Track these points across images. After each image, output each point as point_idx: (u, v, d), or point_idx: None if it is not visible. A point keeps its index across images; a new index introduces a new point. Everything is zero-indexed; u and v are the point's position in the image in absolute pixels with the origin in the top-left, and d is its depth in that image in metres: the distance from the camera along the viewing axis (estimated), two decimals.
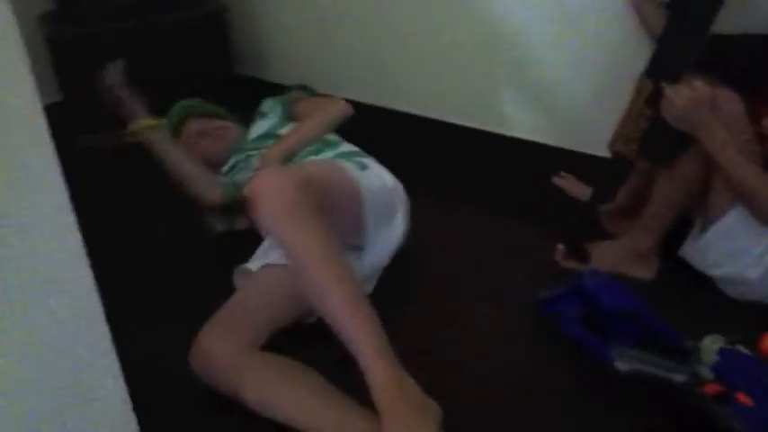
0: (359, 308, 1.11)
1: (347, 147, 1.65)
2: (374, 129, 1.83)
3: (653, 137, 1.40)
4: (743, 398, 1.06)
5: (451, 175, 2.01)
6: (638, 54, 1.47)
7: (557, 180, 1.91)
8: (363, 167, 1.51)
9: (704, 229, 1.47)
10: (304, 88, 2.00)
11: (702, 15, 1.31)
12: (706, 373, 1.11)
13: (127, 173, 2.01)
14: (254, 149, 1.70)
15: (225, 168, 1.76)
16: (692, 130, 1.34)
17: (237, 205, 1.62)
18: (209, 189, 1.65)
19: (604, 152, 1.52)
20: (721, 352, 1.14)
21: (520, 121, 2.03)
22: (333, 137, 1.70)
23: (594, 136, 1.66)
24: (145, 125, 1.63)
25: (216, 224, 1.74)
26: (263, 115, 1.83)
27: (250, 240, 1.49)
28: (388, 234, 1.51)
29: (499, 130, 2.07)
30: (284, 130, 1.71)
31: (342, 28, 2.31)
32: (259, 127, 1.79)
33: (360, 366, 1.07)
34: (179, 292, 1.54)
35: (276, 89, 2.06)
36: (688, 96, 1.31)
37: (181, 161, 1.64)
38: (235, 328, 1.24)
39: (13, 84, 0.72)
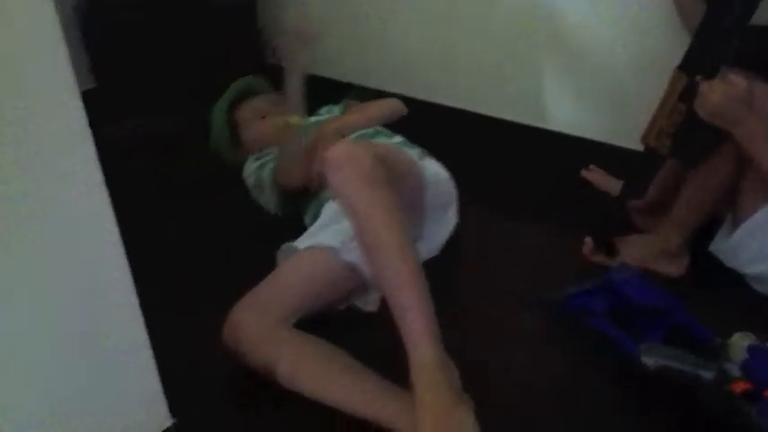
0: (418, 284, 1.12)
1: (400, 138, 1.69)
2: (413, 122, 1.83)
3: (685, 135, 1.38)
4: None
5: (475, 169, 1.99)
6: (675, 45, 1.45)
7: (585, 173, 1.88)
8: (422, 157, 1.55)
9: (735, 227, 1.45)
10: (362, 90, 2.01)
11: (741, 9, 1.28)
12: (734, 370, 1.10)
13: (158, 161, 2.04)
14: None
15: (267, 157, 1.76)
16: (728, 126, 1.31)
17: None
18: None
19: (637, 145, 1.50)
20: (750, 349, 1.13)
21: (552, 112, 2.02)
22: (385, 129, 1.73)
23: (627, 128, 1.65)
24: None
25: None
26: (319, 116, 1.86)
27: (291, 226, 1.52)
28: (442, 226, 1.55)
29: (528, 120, 2.06)
30: None
31: (377, 19, 2.31)
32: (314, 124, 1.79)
33: (405, 343, 1.08)
34: (219, 276, 1.56)
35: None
36: (723, 91, 1.28)
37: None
38: (270, 303, 1.27)
39: (52, 70, 0.74)
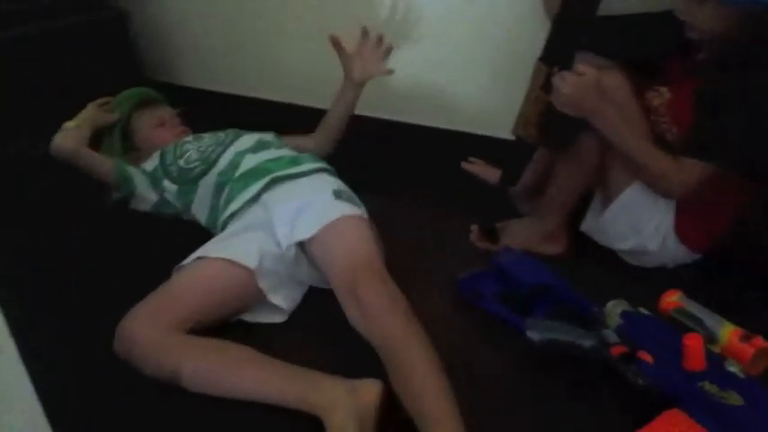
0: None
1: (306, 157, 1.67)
2: (286, 126, 1.85)
3: (550, 122, 1.45)
4: (644, 356, 1.14)
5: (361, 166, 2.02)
6: (538, 36, 1.52)
7: (466, 165, 1.93)
8: (338, 195, 1.51)
9: (604, 205, 1.56)
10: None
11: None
12: (611, 336, 1.19)
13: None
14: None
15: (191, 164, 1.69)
16: (584, 115, 1.38)
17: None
18: (106, 166, 1.71)
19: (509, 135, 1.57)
20: (623, 315, 1.22)
21: (419, 108, 2.07)
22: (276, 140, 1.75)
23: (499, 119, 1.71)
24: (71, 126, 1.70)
25: (111, 196, 1.76)
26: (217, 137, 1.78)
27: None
28: None
29: (399, 118, 2.12)
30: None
31: (251, 30, 2.31)
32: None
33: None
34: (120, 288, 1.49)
35: (188, 93, 2.06)
36: (573, 83, 1.35)
37: (86, 155, 1.70)
38: (163, 311, 1.25)
39: None
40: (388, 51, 1.78)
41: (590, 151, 1.49)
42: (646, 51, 1.46)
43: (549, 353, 1.23)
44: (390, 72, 1.78)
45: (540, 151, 1.67)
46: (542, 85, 1.43)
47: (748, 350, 1.13)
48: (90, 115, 1.80)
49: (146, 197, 1.72)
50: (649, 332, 1.18)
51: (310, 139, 1.86)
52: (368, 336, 1.23)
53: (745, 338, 1.14)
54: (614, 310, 1.24)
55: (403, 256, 1.51)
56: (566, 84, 1.36)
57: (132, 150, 1.86)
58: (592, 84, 1.35)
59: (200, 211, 1.65)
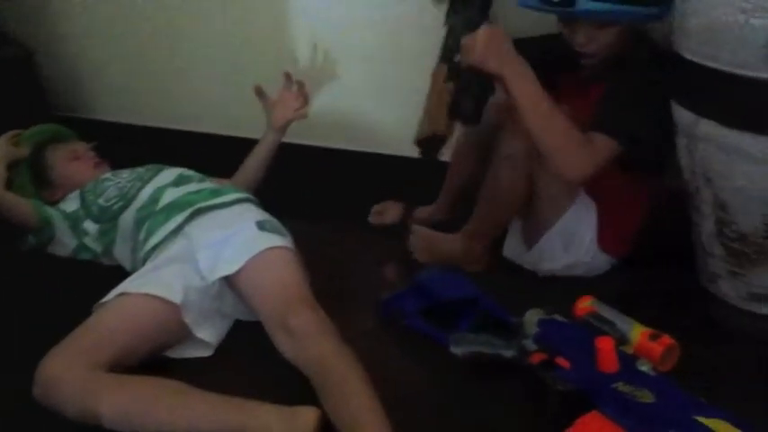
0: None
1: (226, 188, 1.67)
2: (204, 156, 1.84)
3: (459, 101, 1.44)
4: (562, 362, 1.20)
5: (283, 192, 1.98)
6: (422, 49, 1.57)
7: (372, 219, 1.94)
8: (262, 227, 1.52)
9: (532, 234, 1.61)
10: None
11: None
12: (530, 344, 1.24)
13: None
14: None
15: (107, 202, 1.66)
16: (496, 68, 1.36)
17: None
18: (26, 209, 1.65)
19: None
20: (540, 323, 1.27)
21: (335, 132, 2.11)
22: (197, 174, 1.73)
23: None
24: None
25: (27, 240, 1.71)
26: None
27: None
28: None
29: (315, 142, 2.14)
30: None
31: (161, 58, 2.30)
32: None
33: None
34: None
35: (100, 126, 2.02)
36: (485, 34, 1.35)
37: (5, 197, 1.65)
38: (83, 350, 1.21)
39: None
40: (307, 98, 1.85)
41: (517, 185, 1.53)
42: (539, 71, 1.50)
43: (473, 365, 1.27)
44: (306, 116, 1.84)
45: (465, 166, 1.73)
46: (444, 78, 1.44)
47: (657, 348, 1.19)
48: (2, 152, 1.75)
49: (65, 242, 1.68)
50: (565, 338, 1.24)
51: (228, 182, 1.84)
52: (300, 363, 1.24)
53: (654, 337, 1.20)
54: (531, 319, 1.29)
55: (328, 280, 1.54)
56: (477, 37, 1.35)
57: (45, 188, 1.81)
58: (499, 35, 1.36)
59: (121, 253, 1.62)
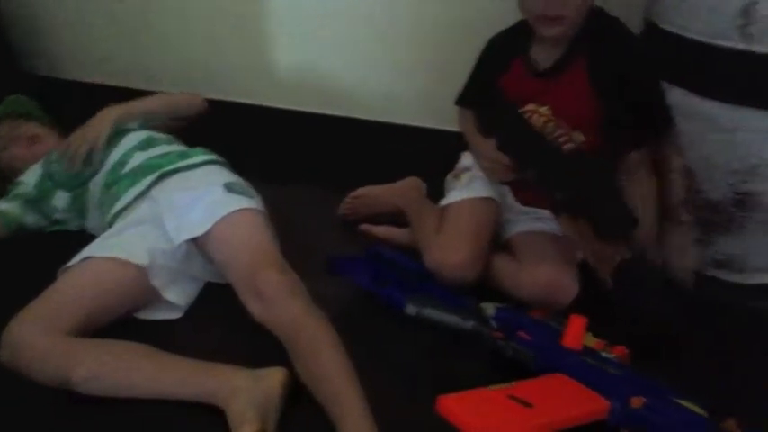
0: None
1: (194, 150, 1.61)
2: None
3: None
4: (523, 335, 1.21)
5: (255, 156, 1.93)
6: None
7: (365, 228, 1.74)
8: (229, 189, 1.49)
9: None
10: None
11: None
12: (492, 322, 1.25)
13: None
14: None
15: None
16: None
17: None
18: None
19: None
20: (498, 309, 1.28)
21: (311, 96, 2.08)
22: (165, 136, 1.66)
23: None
24: None
25: None
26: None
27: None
28: None
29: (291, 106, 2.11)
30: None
31: (140, 20, 2.21)
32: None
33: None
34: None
35: (71, 87, 1.96)
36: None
37: None
38: (49, 314, 1.21)
39: None
40: None
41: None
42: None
43: (431, 329, 1.28)
44: None
45: None
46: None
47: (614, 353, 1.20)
48: None
49: (35, 226, 1.64)
50: (525, 321, 1.25)
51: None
52: (271, 325, 1.25)
53: (608, 347, 1.20)
54: (488, 306, 1.29)
55: (300, 243, 1.53)
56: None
57: None
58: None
59: (93, 221, 1.59)
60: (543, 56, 1.39)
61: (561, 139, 1.35)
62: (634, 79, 1.31)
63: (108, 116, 1.59)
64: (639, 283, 1.25)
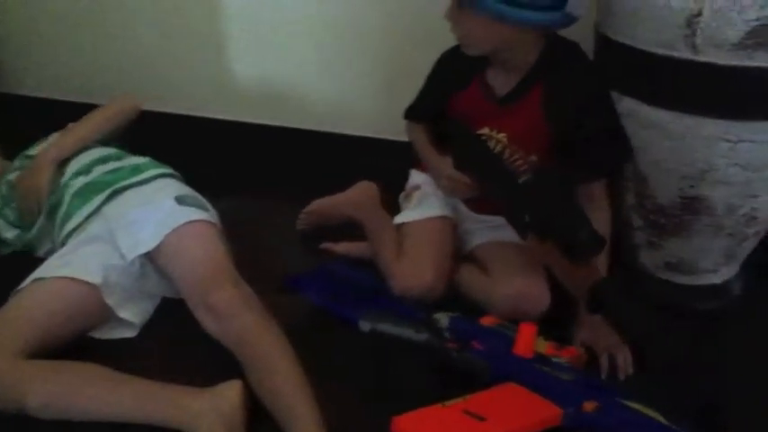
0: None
1: (144, 160, 1.58)
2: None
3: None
4: (477, 345, 1.22)
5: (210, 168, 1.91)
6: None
7: (328, 246, 1.71)
8: (182, 201, 1.47)
9: None
10: None
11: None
12: (446, 333, 1.25)
13: None
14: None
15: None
16: None
17: None
18: None
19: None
20: (451, 319, 1.29)
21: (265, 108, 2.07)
22: (118, 151, 1.61)
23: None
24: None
25: None
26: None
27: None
28: None
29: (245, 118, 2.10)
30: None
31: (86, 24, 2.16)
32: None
33: None
34: None
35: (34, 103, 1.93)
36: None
37: None
38: (3, 338, 1.19)
39: None
40: None
41: None
42: None
43: (385, 344, 1.27)
44: None
45: None
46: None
47: (565, 354, 1.22)
48: None
49: None
50: (479, 330, 1.26)
51: None
52: (225, 340, 1.24)
53: (559, 349, 1.22)
54: (442, 317, 1.29)
55: (255, 256, 1.53)
56: None
57: None
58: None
59: (44, 244, 1.56)
60: (499, 81, 1.40)
61: (517, 163, 1.39)
62: (591, 110, 1.35)
63: (44, 163, 1.52)
64: (618, 301, 1.25)
